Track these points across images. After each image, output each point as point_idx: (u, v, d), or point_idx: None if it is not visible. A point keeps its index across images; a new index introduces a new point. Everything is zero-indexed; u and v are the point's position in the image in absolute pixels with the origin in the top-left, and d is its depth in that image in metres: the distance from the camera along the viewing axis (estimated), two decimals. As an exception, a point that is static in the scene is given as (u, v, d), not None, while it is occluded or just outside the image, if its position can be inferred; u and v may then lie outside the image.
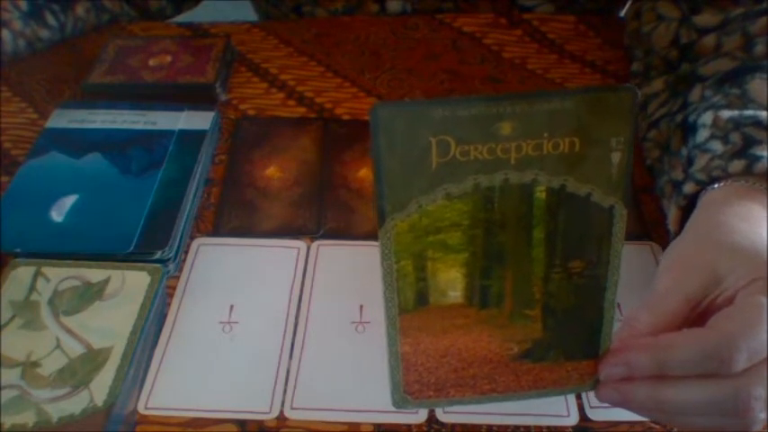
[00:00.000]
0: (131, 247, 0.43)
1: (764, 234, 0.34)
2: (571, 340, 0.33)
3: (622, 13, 0.70)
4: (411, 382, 0.33)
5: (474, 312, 0.32)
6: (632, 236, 0.47)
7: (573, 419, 0.38)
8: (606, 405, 0.38)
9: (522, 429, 0.37)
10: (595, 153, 0.29)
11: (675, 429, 0.37)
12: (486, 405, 0.38)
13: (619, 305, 0.42)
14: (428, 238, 0.30)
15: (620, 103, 0.28)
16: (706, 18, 0.48)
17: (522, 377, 0.33)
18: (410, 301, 0.31)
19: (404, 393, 0.33)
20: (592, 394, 0.38)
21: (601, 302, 0.32)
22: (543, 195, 0.30)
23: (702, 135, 0.41)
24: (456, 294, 0.32)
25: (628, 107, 0.28)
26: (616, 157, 0.29)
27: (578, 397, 0.39)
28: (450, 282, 0.31)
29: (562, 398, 0.38)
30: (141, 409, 0.38)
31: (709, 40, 0.47)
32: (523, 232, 0.30)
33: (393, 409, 0.38)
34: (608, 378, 0.33)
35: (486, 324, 0.32)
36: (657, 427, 0.37)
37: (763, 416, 0.30)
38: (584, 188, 0.30)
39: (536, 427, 0.37)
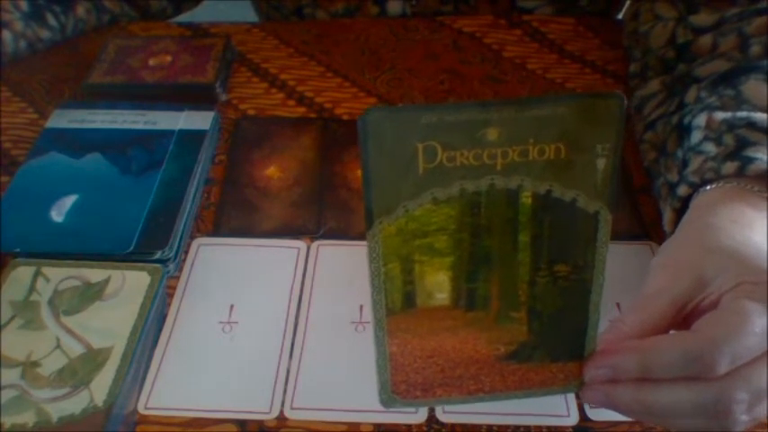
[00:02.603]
0: (131, 247, 0.43)
1: (754, 237, 0.34)
2: (556, 342, 0.33)
3: (620, 16, 0.70)
4: (398, 382, 0.33)
5: (461, 314, 0.32)
6: (631, 236, 0.47)
7: (573, 419, 0.38)
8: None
9: (522, 429, 0.37)
10: (581, 159, 0.29)
11: None
12: (486, 405, 0.38)
13: (618, 305, 0.42)
14: (415, 242, 0.30)
15: (607, 111, 0.28)
16: (702, 18, 0.48)
17: (507, 378, 0.34)
18: (397, 303, 0.32)
19: (391, 393, 0.34)
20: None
21: (586, 305, 0.33)
22: (529, 200, 0.30)
23: (696, 137, 0.41)
24: (443, 297, 0.32)
25: (615, 114, 0.28)
26: (601, 164, 0.29)
27: (578, 397, 0.39)
28: (437, 284, 0.32)
29: (562, 398, 0.38)
30: (141, 409, 0.38)
31: (706, 41, 0.47)
32: (509, 236, 0.31)
33: (393, 408, 0.38)
34: (593, 380, 0.33)
35: (472, 326, 0.33)
36: (657, 427, 0.37)
37: (744, 418, 0.30)
38: (570, 194, 0.30)
39: (536, 427, 0.37)
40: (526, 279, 0.32)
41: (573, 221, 0.30)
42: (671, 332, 0.32)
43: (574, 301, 0.32)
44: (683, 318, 0.33)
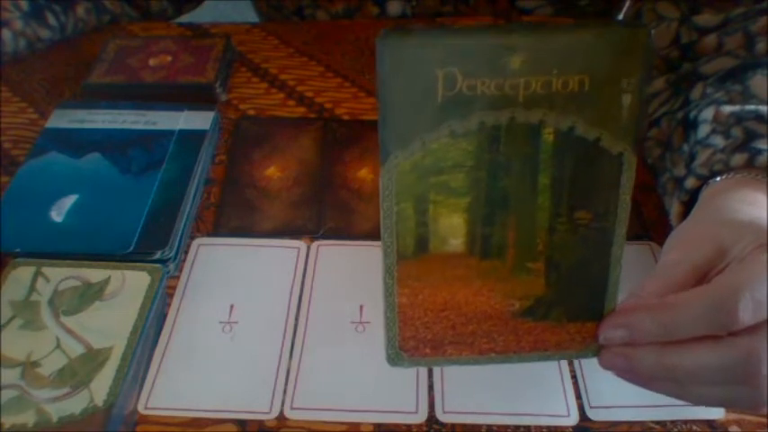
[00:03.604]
0: (131, 247, 0.43)
1: (766, 216, 0.34)
2: (575, 299, 0.32)
3: (620, 16, 0.70)
4: (407, 337, 0.32)
5: (475, 263, 0.31)
6: (632, 236, 0.47)
7: (573, 419, 0.38)
8: (606, 405, 0.38)
9: (522, 429, 0.37)
10: (605, 94, 0.28)
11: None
12: (485, 404, 0.38)
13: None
14: (430, 180, 0.29)
15: (633, 41, 0.27)
16: (706, 18, 0.48)
17: (522, 337, 0.32)
18: (409, 248, 0.30)
19: (399, 350, 0.32)
20: (591, 394, 0.38)
21: (607, 259, 0.31)
22: (551, 138, 0.28)
23: (704, 130, 0.41)
24: (457, 242, 0.30)
25: (641, 46, 0.27)
26: (627, 100, 0.28)
27: (578, 397, 0.39)
28: (452, 228, 0.30)
29: (562, 398, 0.38)
30: (141, 409, 0.38)
31: (711, 40, 0.47)
32: (529, 177, 0.29)
33: (393, 408, 0.38)
34: (608, 341, 0.32)
35: (487, 277, 0.31)
36: (657, 427, 0.37)
37: None
38: (593, 132, 0.28)
39: (536, 427, 0.37)
40: (545, 226, 0.30)
41: (596, 163, 0.29)
42: (688, 290, 0.31)
43: (594, 253, 0.31)
44: None
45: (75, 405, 0.36)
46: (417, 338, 0.32)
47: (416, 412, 0.38)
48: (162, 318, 0.42)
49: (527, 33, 0.27)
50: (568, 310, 0.32)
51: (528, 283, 0.31)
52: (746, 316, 0.28)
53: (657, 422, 0.37)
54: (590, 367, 0.39)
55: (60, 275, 0.42)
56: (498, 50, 0.27)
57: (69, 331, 0.39)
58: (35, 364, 0.38)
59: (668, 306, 0.30)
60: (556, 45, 0.27)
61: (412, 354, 0.33)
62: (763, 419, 0.37)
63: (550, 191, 0.30)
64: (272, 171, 0.51)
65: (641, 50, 0.27)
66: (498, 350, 0.33)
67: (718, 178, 0.39)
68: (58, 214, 0.45)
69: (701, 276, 0.32)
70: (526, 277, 0.31)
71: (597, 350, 0.33)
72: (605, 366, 0.32)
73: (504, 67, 0.27)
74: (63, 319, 0.40)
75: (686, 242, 0.34)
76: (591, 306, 0.32)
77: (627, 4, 0.68)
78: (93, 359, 0.38)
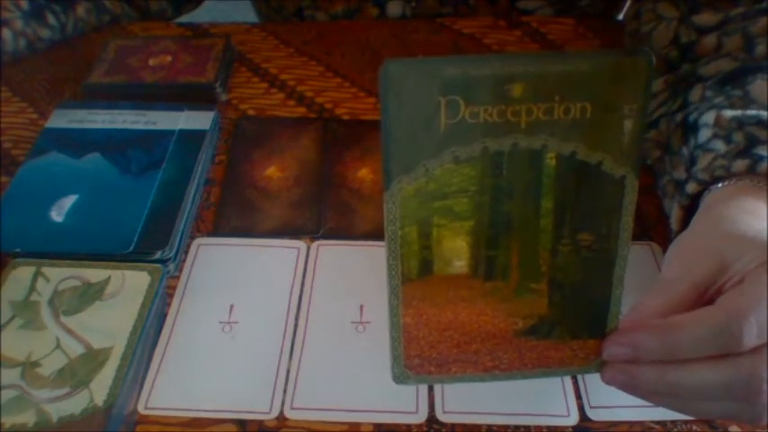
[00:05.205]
0: (131, 247, 0.43)
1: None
2: (577, 317, 0.32)
3: (621, 16, 0.70)
4: (412, 356, 0.32)
5: (479, 284, 0.31)
6: (632, 236, 0.47)
7: (573, 419, 0.38)
8: (606, 405, 0.38)
9: (522, 429, 0.37)
10: (607, 120, 0.28)
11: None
12: (485, 404, 0.38)
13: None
14: (434, 204, 0.29)
15: (634, 69, 0.27)
16: (705, 18, 0.48)
17: (525, 355, 0.33)
18: (414, 270, 0.31)
19: (404, 368, 0.33)
20: (591, 394, 0.39)
21: (609, 278, 0.32)
22: (553, 162, 0.29)
23: (705, 134, 0.41)
24: (461, 264, 0.31)
25: (643, 73, 0.27)
26: (628, 125, 0.28)
27: (578, 397, 0.39)
28: (456, 250, 0.31)
29: (562, 398, 0.38)
30: (141, 409, 0.38)
31: (710, 41, 0.47)
32: (532, 201, 0.30)
33: (393, 408, 0.38)
34: (612, 358, 0.32)
35: (490, 297, 0.32)
36: (657, 427, 0.37)
37: None
38: (595, 156, 0.29)
39: (536, 427, 0.37)
40: (548, 248, 0.31)
41: (598, 186, 0.30)
42: (693, 310, 0.31)
43: (597, 274, 0.31)
44: (705, 303, 0.32)
45: (75, 405, 0.36)
46: (422, 357, 0.33)
47: (416, 412, 0.38)
48: (162, 318, 0.42)
49: (528, 62, 0.27)
50: (571, 329, 0.32)
51: (531, 302, 0.32)
52: (751, 340, 0.29)
53: (657, 422, 0.37)
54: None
55: (60, 275, 0.42)
56: (500, 79, 0.27)
57: (69, 331, 0.39)
58: (35, 364, 0.38)
59: (672, 327, 0.30)
60: (557, 73, 0.27)
61: (417, 372, 0.33)
62: (763, 419, 0.37)
63: (553, 214, 0.30)
64: (272, 171, 0.51)
65: (643, 77, 0.28)
66: (502, 368, 0.33)
67: (720, 185, 0.39)
68: (58, 214, 0.45)
69: (702, 292, 0.32)
70: (529, 297, 0.32)
71: (600, 366, 0.33)
72: (608, 382, 0.33)
73: (507, 95, 0.27)
74: (63, 319, 0.40)
75: (687, 256, 0.34)
76: (593, 324, 0.32)
77: (627, 4, 0.68)
78: (93, 359, 0.38)
